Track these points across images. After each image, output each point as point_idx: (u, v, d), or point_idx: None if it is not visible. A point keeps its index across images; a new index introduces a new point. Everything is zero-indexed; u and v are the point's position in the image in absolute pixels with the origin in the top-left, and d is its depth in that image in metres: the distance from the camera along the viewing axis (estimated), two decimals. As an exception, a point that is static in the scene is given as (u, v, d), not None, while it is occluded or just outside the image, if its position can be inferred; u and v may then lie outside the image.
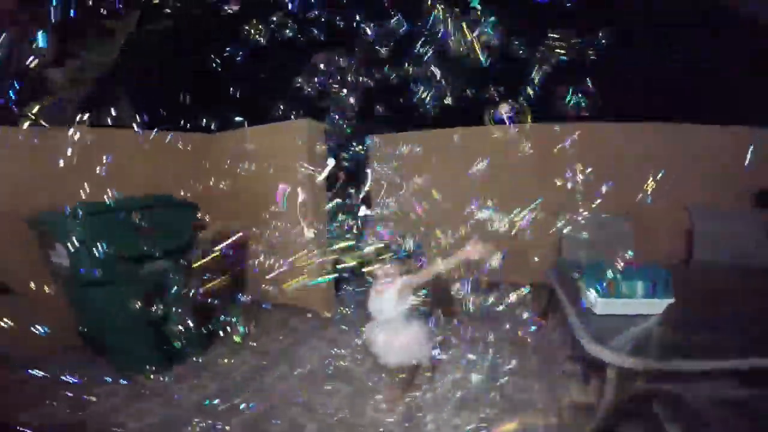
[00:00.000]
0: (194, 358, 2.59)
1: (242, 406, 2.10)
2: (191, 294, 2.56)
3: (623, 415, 1.54)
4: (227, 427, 1.94)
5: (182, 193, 2.71)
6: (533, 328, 2.55)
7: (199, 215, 2.75)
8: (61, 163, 2.25)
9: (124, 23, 3.11)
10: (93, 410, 2.10)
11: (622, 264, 1.56)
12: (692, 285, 1.86)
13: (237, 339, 2.76)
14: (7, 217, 2.46)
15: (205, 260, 2.57)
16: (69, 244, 2.24)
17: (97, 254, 2.22)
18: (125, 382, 2.34)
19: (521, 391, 2.11)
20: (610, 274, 1.51)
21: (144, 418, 2.04)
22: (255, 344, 2.81)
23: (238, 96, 2.85)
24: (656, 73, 3.77)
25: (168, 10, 2.67)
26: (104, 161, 2.39)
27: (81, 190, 2.37)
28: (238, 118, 3.13)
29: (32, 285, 2.39)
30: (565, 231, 2.72)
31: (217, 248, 2.81)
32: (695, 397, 1.43)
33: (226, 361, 2.59)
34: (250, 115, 3.18)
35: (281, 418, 2.01)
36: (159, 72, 3.15)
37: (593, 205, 2.54)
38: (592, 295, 1.51)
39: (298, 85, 2.64)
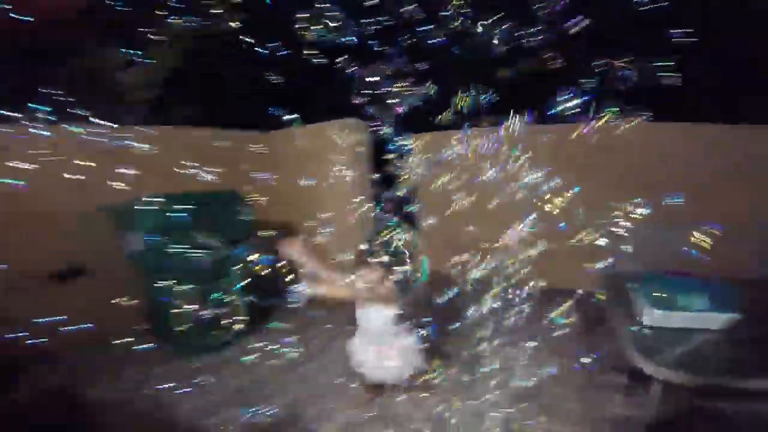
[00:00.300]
0: (242, 344, 2.76)
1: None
2: (245, 284, 2.73)
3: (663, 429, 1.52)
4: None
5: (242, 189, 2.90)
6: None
7: (254, 211, 2.92)
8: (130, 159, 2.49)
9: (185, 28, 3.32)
10: (150, 389, 2.29)
11: (681, 275, 1.53)
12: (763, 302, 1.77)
13: (277, 326, 2.89)
14: (87, 207, 2.72)
15: (258, 254, 2.72)
16: (139, 234, 2.49)
17: (162, 243, 2.46)
18: (181, 363, 2.53)
19: (557, 398, 2.09)
20: (667, 285, 1.47)
21: (195, 398, 2.20)
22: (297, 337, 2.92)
23: (292, 93, 2.96)
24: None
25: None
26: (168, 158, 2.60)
27: (150, 184, 2.62)
28: (290, 116, 3.26)
29: (106, 270, 2.67)
30: (612, 237, 2.63)
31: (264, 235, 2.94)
32: (736, 413, 1.39)
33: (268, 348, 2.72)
34: (305, 112, 3.27)
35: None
36: (219, 72, 3.35)
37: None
38: (646, 306, 1.49)
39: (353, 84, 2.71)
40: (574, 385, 2.19)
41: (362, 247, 1.87)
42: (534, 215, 2.56)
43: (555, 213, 2.54)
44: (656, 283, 1.52)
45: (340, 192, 3.34)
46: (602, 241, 2.29)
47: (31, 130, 2.40)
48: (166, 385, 2.27)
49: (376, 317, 1.86)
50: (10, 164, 2.35)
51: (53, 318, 2.33)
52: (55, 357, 2.44)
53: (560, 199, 2.61)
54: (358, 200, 3.34)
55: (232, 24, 2.55)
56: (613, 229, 2.27)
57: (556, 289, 2.46)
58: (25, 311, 2.32)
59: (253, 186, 3.14)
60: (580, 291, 2.40)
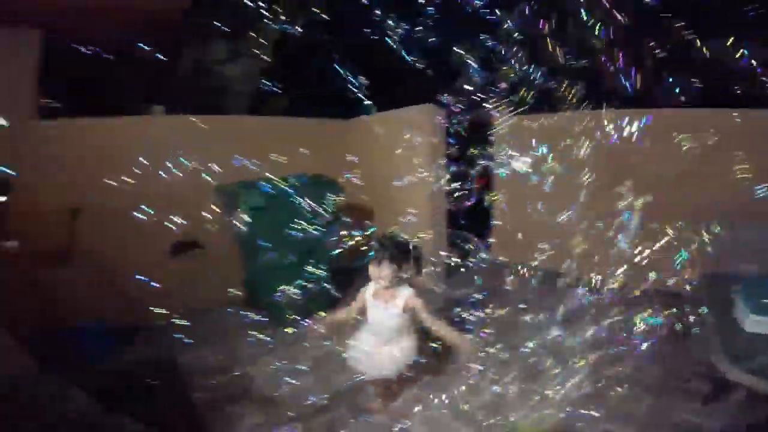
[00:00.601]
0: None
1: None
2: (331, 261, 2.98)
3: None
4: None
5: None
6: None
7: (340, 194, 3.16)
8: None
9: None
10: (242, 353, 2.61)
11: None
12: None
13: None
14: (202, 186, 3.13)
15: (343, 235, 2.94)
16: (243, 212, 2.85)
17: (262, 221, 2.80)
18: (271, 332, 2.72)
19: (626, 402, 1.96)
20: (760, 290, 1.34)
21: (283, 364, 2.42)
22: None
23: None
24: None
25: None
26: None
27: (250, 168, 2.96)
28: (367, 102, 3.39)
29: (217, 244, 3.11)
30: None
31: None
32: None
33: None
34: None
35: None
36: (309, 62, 3.60)
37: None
38: (744, 310, 1.38)
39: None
40: (649, 388, 2.08)
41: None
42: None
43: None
44: (760, 286, 1.39)
45: (415, 182, 3.44)
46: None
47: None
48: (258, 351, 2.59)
49: (390, 315, 1.88)
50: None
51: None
52: (165, 323, 2.71)
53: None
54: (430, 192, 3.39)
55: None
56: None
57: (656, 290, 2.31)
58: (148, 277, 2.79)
59: (340, 172, 3.37)
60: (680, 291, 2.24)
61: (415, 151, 3.43)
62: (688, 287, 2.40)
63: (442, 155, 3.39)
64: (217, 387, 2.25)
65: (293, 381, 2.25)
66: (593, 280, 2.37)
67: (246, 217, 2.75)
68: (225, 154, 2.99)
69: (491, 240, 4.18)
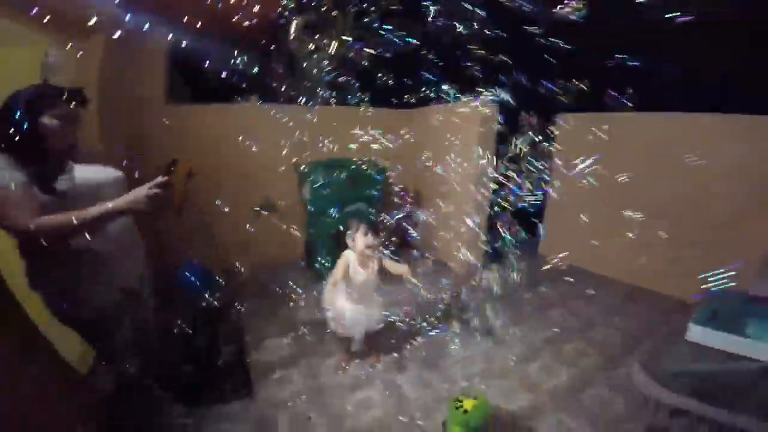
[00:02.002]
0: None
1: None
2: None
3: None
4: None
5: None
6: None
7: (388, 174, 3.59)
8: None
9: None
10: (295, 306, 3.13)
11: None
12: None
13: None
14: (285, 164, 3.76)
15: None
16: (308, 185, 3.42)
17: (321, 194, 3.34)
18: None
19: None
20: (734, 305, 1.39)
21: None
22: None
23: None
24: None
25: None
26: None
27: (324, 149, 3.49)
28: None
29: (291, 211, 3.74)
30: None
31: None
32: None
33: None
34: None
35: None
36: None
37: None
38: (695, 322, 1.45)
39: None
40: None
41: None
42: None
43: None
44: (729, 301, 1.45)
45: (463, 173, 3.68)
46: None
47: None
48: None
49: (372, 277, 2.25)
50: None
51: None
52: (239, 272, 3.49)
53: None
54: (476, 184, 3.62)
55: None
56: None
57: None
58: (233, 236, 3.52)
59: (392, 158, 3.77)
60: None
61: (467, 143, 3.66)
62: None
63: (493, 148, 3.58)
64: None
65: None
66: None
67: (308, 192, 3.34)
68: (308, 137, 3.57)
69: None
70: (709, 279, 1.92)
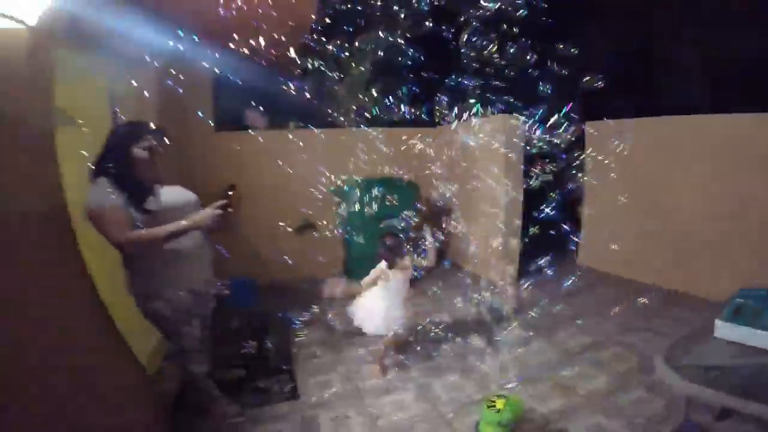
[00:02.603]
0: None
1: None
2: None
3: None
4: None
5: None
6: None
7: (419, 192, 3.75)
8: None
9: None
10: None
11: None
12: None
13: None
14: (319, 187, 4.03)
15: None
16: (344, 203, 3.64)
17: (357, 211, 3.54)
18: None
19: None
20: (756, 300, 1.40)
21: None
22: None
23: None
24: None
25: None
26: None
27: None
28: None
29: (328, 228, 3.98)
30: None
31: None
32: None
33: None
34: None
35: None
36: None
37: None
38: (720, 318, 1.47)
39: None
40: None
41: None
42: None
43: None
44: (753, 299, 1.46)
45: (487, 194, 3.80)
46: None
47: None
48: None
49: (397, 282, 2.46)
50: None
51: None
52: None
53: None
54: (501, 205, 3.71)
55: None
56: None
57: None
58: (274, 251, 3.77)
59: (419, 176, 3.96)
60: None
61: (492, 159, 3.77)
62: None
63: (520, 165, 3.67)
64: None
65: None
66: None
67: (345, 212, 3.56)
68: (340, 159, 3.84)
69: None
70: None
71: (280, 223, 3.71)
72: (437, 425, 2.05)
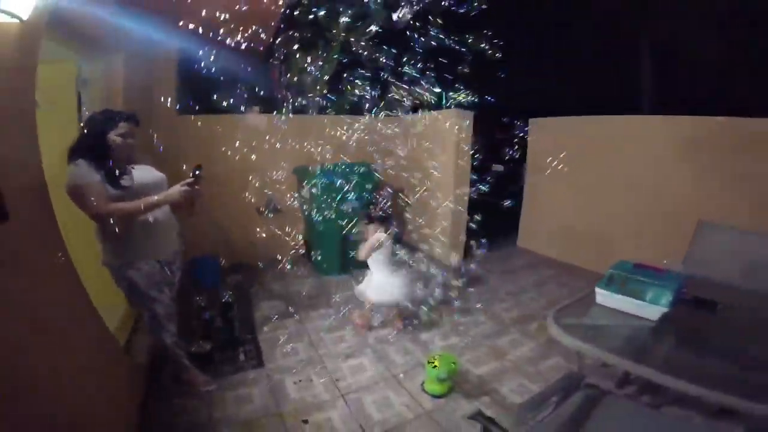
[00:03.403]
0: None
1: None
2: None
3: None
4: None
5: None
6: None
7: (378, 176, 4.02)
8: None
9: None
10: (295, 290, 3.62)
11: (650, 268, 1.83)
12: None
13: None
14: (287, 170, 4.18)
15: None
16: (306, 187, 3.83)
17: (317, 194, 3.75)
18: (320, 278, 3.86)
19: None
20: (634, 273, 1.78)
21: (327, 300, 3.45)
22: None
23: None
24: None
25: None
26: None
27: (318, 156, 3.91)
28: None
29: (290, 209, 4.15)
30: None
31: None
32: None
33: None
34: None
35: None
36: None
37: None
38: (597, 285, 1.80)
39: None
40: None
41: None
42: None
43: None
44: (625, 270, 1.84)
45: (443, 173, 4.13)
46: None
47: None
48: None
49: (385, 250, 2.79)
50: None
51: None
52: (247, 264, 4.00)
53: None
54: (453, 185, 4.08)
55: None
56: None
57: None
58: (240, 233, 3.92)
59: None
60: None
61: (444, 146, 4.11)
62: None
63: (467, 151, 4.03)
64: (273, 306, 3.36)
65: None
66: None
67: (306, 191, 3.76)
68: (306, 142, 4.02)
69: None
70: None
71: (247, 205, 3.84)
72: (390, 384, 2.37)
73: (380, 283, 2.85)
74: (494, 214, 4.03)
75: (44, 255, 1.63)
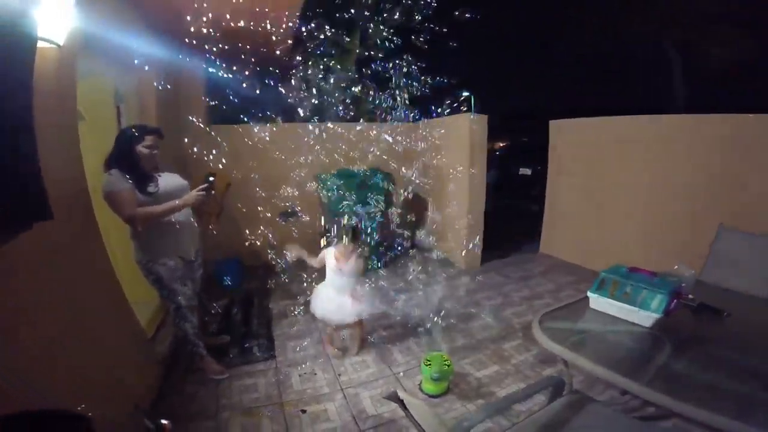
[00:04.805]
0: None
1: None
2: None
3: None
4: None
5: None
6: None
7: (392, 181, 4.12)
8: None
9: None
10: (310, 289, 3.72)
11: (642, 272, 1.76)
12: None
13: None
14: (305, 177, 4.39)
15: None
16: (325, 190, 4.01)
17: (337, 197, 3.91)
18: None
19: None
20: (627, 278, 1.72)
21: None
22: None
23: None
24: None
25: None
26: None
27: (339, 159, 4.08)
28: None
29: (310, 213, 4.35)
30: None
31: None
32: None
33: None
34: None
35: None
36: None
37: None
38: (590, 290, 1.77)
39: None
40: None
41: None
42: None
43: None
44: (617, 274, 1.78)
45: (458, 177, 4.15)
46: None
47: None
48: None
49: (342, 273, 2.51)
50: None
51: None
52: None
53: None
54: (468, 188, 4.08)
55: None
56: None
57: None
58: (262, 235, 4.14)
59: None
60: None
61: (460, 152, 4.13)
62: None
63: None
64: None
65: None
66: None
67: (325, 196, 3.93)
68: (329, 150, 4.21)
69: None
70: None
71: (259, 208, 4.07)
72: (389, 382, 2.46)
73: (323, 298, 2.63)
74: (515, 219, 3.99)
75: (84, 253, 1.90)
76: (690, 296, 1.89)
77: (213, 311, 3.20)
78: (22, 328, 1.33)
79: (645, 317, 1.65)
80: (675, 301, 1.71)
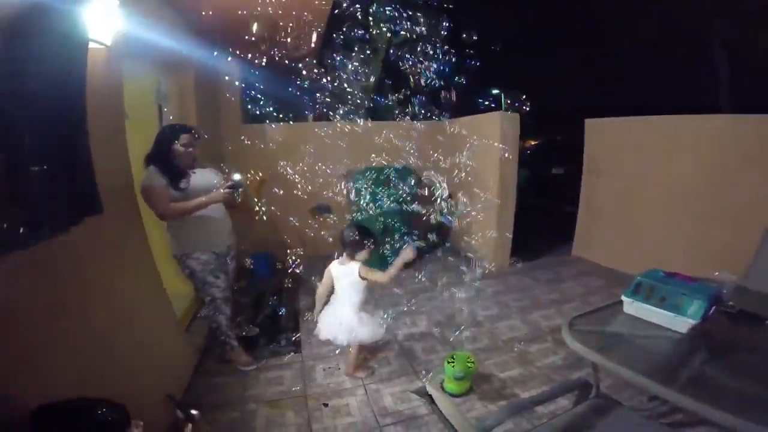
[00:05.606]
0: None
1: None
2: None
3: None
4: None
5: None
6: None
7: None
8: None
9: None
10: None
11: (680, 277, 1.66)
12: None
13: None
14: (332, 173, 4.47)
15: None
16: (353, 186, 4.08)
17: (363, 192, 3.98)
18: None
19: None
20: (662, 282, 1.64)
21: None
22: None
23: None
24: None
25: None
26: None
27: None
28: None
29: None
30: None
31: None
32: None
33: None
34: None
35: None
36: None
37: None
38: (624, 294, 1.69)
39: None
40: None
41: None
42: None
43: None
44: (653, 279, 1.69)
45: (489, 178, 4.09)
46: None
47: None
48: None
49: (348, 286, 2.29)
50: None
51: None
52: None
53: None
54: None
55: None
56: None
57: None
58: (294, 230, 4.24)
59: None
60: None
61: (489, 151, 4.07)
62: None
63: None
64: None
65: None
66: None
67: (354, 192, 4.01)
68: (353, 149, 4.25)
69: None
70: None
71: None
72: (411, 380, 2.47)
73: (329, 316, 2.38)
74: (547, 220, 3.88)
75: (129, 247, 2.03)
76: (730, 303, 1.79)
77: (249, 305, 3.33)
78: (69, 319, 1.43)
79: (681, 323, 1.57)
80: (713, 307, 1.62)
